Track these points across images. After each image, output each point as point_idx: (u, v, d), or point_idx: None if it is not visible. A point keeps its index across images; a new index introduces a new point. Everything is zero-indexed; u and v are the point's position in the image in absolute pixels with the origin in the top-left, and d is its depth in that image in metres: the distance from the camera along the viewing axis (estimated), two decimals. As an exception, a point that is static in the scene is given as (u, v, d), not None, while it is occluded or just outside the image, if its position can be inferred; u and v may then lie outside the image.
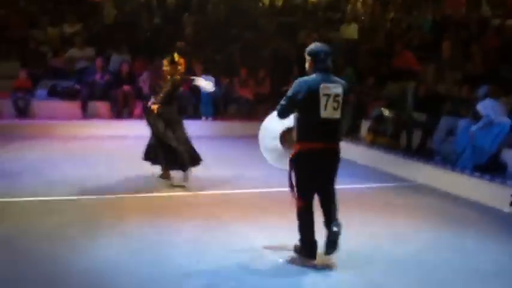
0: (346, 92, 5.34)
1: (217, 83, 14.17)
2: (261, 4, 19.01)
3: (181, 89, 8.80)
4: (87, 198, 7.65)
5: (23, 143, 11.29)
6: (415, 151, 10.41)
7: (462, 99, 10.30)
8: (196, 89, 14.15)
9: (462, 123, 9.38)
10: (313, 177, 5.44)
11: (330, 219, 5.50)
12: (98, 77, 13.67)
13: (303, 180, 5.46)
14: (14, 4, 15.70)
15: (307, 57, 5.45)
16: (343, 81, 5.44)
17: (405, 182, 9.58)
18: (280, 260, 5.59)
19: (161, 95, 8.31)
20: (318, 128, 5.28)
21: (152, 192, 8.09)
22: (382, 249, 6.16)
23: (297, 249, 5.68)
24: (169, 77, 8.40)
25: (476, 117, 9.12)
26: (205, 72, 14.25)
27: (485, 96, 9.25)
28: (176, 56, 8.53)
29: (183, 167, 8.39)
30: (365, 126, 12.00)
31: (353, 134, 12.11)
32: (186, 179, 8.42)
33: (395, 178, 9.81)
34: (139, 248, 5.78)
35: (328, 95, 5.22)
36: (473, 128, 9.01)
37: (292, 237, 5.78)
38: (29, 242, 5.81)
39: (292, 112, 5.43)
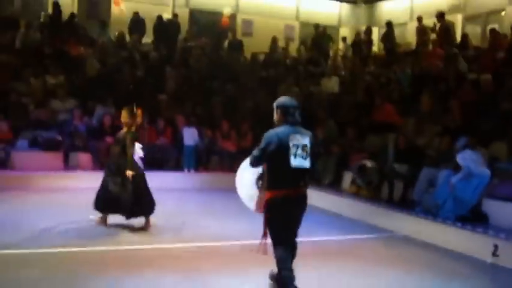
0: (312, 143, 5.68)
1: (199, 135, 14.26)
2: (242, 59, 19.26)
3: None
4: (66, 250, 7.49)
5: (2, 194, 11.15)
6: (397, 202, 10.46)
7: (442, 151, 10.43)
8: (178, 142, 14.23)
9: (442, 174, 9.48)
10: (286, 223, 5.67)
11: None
12: (77, 125, 13.67)
13: (278, 227, 5.67)
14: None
15: (277, 110, 5.79)
16: (309, 132, 5.76)
17: (389, 233, 9.57)
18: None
19: (128, 157, 8.66)
20: (288, 176, 5.55)
21: (134, 244, 7.98)
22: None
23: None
24: (126, 128, 8.62)
25: (457, 168, 9.23)
26: (188, 124, 14.33)
27: (465, 147, 9.39)
28: (135, 108, 8.63)
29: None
30: (347, 177, 12.05)
31: (336, 186, 12.16)
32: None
33: (379, 229, 9.80)
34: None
35: (297, 146, 5.56)
36: (454, 179, 9.10)
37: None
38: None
39: (263, 162, 5.68)
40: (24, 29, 17.02)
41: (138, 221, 8.76)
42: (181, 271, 6.78)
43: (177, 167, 14.16)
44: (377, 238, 9.25)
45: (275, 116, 5.83)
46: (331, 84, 17.19)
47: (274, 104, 5.85)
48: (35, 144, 13.52)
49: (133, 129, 8.71)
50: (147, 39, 18.93)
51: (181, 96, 16.18)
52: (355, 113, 14.55)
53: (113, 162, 8.90)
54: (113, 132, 13.84)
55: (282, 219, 5.66)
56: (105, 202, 8.68)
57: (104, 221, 8.84)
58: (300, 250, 6.78)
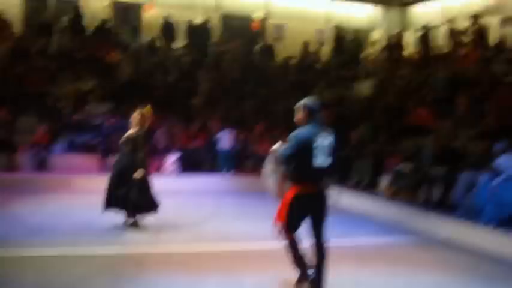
0: (334, 143, 6.03)
1: (234, 138, 14.36)
2: (273, 63, 19.34)
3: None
4: (108, 250, 7.64)
5: (41, 196, 11.36)
6: (435, 205, 10.41)
7: (480, 154, 10.37)
8: (212, 145, 14.35)
9: (482, 178, 9.42)
10: (303, 216, 6.05)
11: (321, 263, 6.10)
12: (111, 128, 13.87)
13: (295, 217, 6.04)
14: (33, 61, 15.99)
15: (304, 110, 6.08)
16: (332, 133, 6.06)
17: (426, 237, 9.48)
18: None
19: (141, 157, 8.72)
20: (310, 173, 5.92)
21: (172, 244, 8.10)
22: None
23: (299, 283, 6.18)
24: (137, 127, 8.77)
25: (496, 172, 9.17)
26: (223, 128, 14.40)
27: (503, 151, 9.33)
28: (149, 109, 8.83)
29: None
30: (384, 180, 12.02)
31: (372, 189, 12.15)
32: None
33: (417, 232, 9.73)
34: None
35: (319, 146, 5.90)
36: (494, 183, 9.05)
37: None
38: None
39: (291, 160, 5.94)
40: (58, 34, 17.30)
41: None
42: (220, 273, 6.83)
43: (211, 169, 14.25)
44: (414, 241, 9.20)
45: (298, 116, 6.12)
46: (364, 87, 17.18)
47: (299, 105, 6.13)
48: (71, 147, 13.75)
49: (144, 129, 8.83)
50: (179, 44, 19.11)
51: (213, 100, 16.30)
52: (388, 116, 14.52)
53: (120, 162, 8.93)
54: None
55: (301, 211, 6.03)
56: (111, 200, 8.80)
57: (134, 223, 8.96)
58: (335, 252, 6.91)
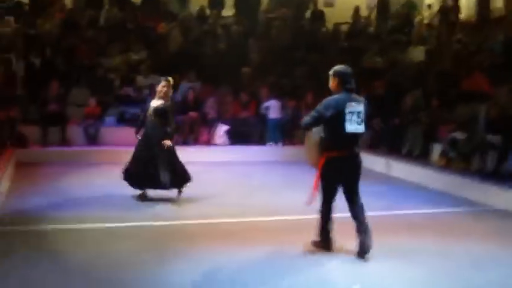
0: (366, 109, 6.16)
1: (283, 107, 14.25)
2: (324, 29, 19.04)
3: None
4: (158, 224, 7.73)
5: (93, 169, 11.57)
6: (490, 174, 10.13)
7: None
8: (261, 114, 14.29)
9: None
10: (337, 181, 6.28)
11: (361, 227, 6.26)
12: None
13: (328, 184, 6.29)
14: (83, 33, 16.18)
15: (335, 77, 6.20)
16: (363, 100, 6.21)
17: (481, 207, 9.27)
18: (357, 287, 5.49)
19: (173, 127, 8.78)
20: (343, 139, 6.08)
21: (221, 217, 8.11)
22: (462, 277, 5.96)
23: (315, 244, 6.52)
24: (165, 97, 8.68)
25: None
26: (272, 97, 14.30)
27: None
28: (171, 80, 8.84)
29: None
30: (436, 149, 11.77)
31: (424, 158, 11.91)
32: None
33: (471, 203, 9.52)
34: (211, 273, 5.77)
35: (352, 112, 6.04)
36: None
37: (368, 262, 6.01)
38: (103, 270, 5.87)
39: (317, 125, 6.19)
40: (108, 6, 17.44)
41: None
42: (273, 244, 6.82)
43: (261, 140, 14.22)
44: (467, 212, 9.01)
45: (331, 84, 6.24)
46: (417, 53, 16.76)
47: (331, 72, 6.24)
48: (122, 120, 13.91)
49: (169, 100, 8.78)
50: (228, 12, 18.99)
51: (264, 68, 16.19)
52: (442, 82, 14.15)
53: (150, 136, 8.77)
54: (196, 107, 14.10)
55: (334, 178, 6.27)
56: (141, 178, 8.76)
57: (143, 196, 8.93)
58: (386, 223, 7.05)
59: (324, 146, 6.18)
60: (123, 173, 8.83)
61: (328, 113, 6.02)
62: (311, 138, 6.41)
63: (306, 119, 6.19)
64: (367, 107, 6.21)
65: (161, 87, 8.74)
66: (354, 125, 6.04)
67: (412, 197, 9.82)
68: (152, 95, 9.10)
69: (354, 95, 6.17)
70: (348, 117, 6.02)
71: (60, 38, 16.03)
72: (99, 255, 6.29)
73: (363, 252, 6.18)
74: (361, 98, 6.23)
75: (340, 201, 6.41)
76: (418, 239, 7.20)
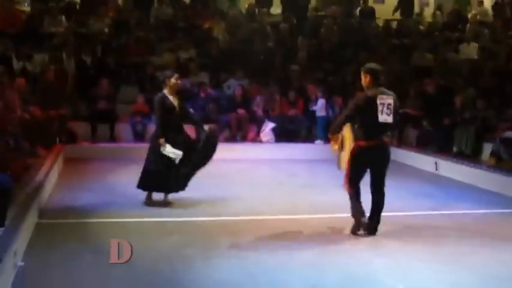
0: (396, 102, 6.87)
1: (331, 105, 14.14)
2: (374, 26, 18.83)
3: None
4: (203, 219, 7.80)
5: (140, 165, 11.64)
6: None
7: None
8: (310, 112, 14.22)
9: None
10: (365, 168, 6.98)
11: (377, 214, 7.06)
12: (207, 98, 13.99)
13: (358, 170, 6.95)
14: (133, 32, 16.39)
15: (367, 74, 6.88)
16: (393, 94, 6.89)
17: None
18: (401, 287, 5.41)
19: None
20: (375, 129, 6.77)
21: (267, 214, 8.12)
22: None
23: (353, 231, 7.07)
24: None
25: None
26: (320, 95, 14.20)
27: None
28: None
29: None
30: (487, 148, 11.49)
31: (475, 157, 11.64)
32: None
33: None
34: (254, 271, 5.77)
35: (383, 104, 6.71)
36: None
37: (414, 263, 5.90)
38: (148, 263, 5.94)
39: (348, 122, 6.90)
40: (157, 4, 17.64)
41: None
42: (318, 242, 6.80)
43: (308, 138, 14.15)
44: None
45: (364, 80, 6.90)
46: (470, 50, 16.44)
47: (363, 70, 6.93)
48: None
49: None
50: (276, 10, 18.96)
51: (312, 66, 16.11)
52: (496, 80, 13.83)
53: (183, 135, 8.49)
54: (244, 105, 14.12)
55: (363, 164, 6.93)
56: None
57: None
58: (434, 224, 7.54)
59: (356, 135, 6.83)
60: None
61: (363, 104, 6.73)
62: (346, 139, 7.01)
63: (334, 123, 7.14)
64: (397, 102, 6.92)
65: (174, 82, 8.38)
66: (384, 116, 6.70)
67: (462, 198, 9.60)
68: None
69: (384, 89, 6.85)
70: (379, 108, 6.69)
71: (110, 36, 16.29)
72: (143, 249, 6.33)
73: (370, 233, 7.00)
74: (391, 92, 6.89)
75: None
76: (467, 241, 7.03)
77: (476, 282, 5.66)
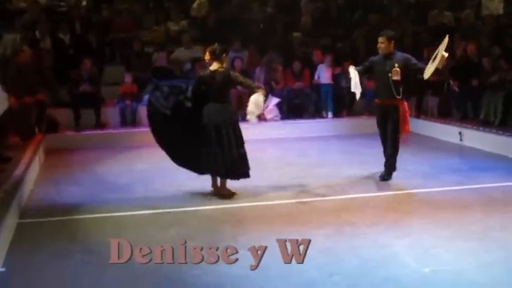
0: (408, 62, 8.73)
1: (341, 74, 14.13)
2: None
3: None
4: (205, 208, 7.87)
5: (132, 153, 11.77)
6: None
7: None
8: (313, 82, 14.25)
9: None
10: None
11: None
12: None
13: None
14: (115, 4, 16.35)
15: (391, 41, 8.76)
16: (405, 55, 8.93)
17: None
18: (426, 270, 5.47)
19: None
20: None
21: (275, 199, 8.19)
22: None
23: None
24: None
25: None
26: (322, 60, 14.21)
27: None
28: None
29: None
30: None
31: (503, 126, 11.65)
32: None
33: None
34: (265, 261, 5.79)
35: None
36: None
37: (439, 243, 5.96)
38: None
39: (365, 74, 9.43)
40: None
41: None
42: (333, 226, 6.87)
43: (317, 113, 14.20)
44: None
45: (388, 46, 8.72)
46: (494, 5, 16.36)
47: (387, 37, 8.74)
48: (162, 97, 13.99)
49: None
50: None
51: (317, 33, 16.08)
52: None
53: None
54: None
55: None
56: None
57: None
58: (461, 200, 7.88)
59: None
60: None
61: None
62: None
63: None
64: (409, 60, 8.80)
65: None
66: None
67: (490, 170, 9.66)
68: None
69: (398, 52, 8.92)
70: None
71: (90, 10, 16.25)
72: (143, 243, 6.36)
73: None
74: (403, 54, 8.94)
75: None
76: (497, 216, 7.12)
77: (507, 259, 5.72)
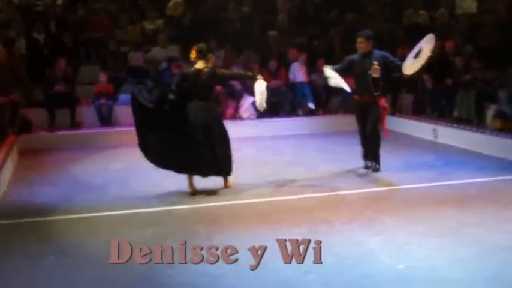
0: (385, 60, 9.05)
1: (316, 72, 14.16)
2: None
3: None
4: (180, 208, 7.83)
5: (107, 152, 11.70)
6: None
7: None
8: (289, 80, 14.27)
9: None
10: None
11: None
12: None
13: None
14: (91, 4, 16.27)
15: (370, 41, 9.08)
16: (381, 53, 9.16)
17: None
18: (401, 267, 5.49)
19: None
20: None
21: (251, 198, 8.18)
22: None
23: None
24: None
25: None
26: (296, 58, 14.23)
27: None
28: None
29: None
30: (491, 111, 11.60)
31: (477, 122, 11.75)
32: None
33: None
34: (240, 259, 5.79)
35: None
36: None
37: (413, 240, 6.01)
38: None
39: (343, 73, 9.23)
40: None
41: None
42: (307, 224, 6.87)
43: (293, 111, 14.23)
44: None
45: (367, 46, 9.04)
46: (468, 4, 16.48)
47: (367, 37, 9.09)
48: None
49: None
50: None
51: (294, 31, 16.10)
52: (499, 34, 13.88)
53: None
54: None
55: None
56: None
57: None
58: (437, 195, 7.93)
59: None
60: None
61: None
62: None
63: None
64: (386, 58, 9.11)
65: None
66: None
67: (464, 166, 9.74)
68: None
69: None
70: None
71: (65, 10, 16.14)
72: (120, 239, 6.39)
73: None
74: (380, 52, 9.16)
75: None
76: (470, 212, 7.17)
77: (480, 255, 5.77)
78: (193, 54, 8.48)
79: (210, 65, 8.47)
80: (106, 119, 13.37)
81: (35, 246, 6.46)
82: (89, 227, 7.14)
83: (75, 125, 13.12)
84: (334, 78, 9.03)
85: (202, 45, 8.60)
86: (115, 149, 11.85)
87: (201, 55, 8.41)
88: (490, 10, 15.71)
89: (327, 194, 8.27)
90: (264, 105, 8.82)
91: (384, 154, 9.60)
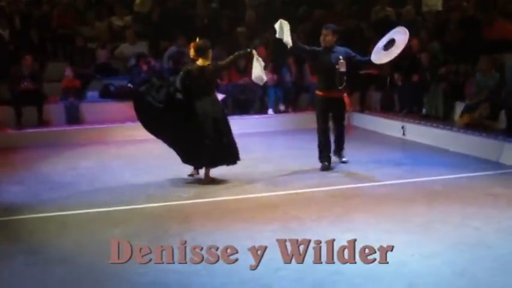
0: (348, 55, 9.24)
1: (286, 71, 14.22)
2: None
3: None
4: (151, 206, 7.83)
5: (76, 150, 11.62)
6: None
7: None
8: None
9: None
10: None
11: None
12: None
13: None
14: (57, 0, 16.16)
15: (336, 34, 9.31)
16: (344, 49, 9.32)
17: (508, 169, 9.32)
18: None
19: None
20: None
21: (220, 196, 8.22)
22: (485, 244, 6.06)
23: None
24: None
25: None
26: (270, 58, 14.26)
27: None
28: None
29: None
30: (459, 108, 11.77)
31: (444, 119, 11.91)
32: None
33: (497, 165, 9.58)
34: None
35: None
36: None
37: (382, 237, 6.07)
38: (91, 259, 5.94)
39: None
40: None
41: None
42: (278, 221, 6.93)
43: (262, 108, 14.27)
44: (493, 175, 9.05)
45: (332, 39, 9.27)
46: (434, 1, 16.66)
47: (332, 30, 9.29)
48: (106, 95, 13.89)
49: None
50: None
51: (262, 27, 16.13)
52: (464, 32, 14.06)
53: None
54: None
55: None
56: None
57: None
58: (402, 193, 8.06)
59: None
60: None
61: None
62: None
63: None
64: (349, 53, 9.29)
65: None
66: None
67: (431, 163, 9.88)
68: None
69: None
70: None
71: (30, 5, 15.99)
72: (84, 244, 6.38)
73: None
74: (343, 48, 9.35)
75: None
76: (437, 209, 7.30)
77: (447, 250, 5.90)
78: (192, 53, 8.64)
79: (209, 60, 8.67)
80: (74, 117, 13.25)
81: (3, 246, 6.43)
82: (58, 226, 7.10)
83: (42, 122, 13.02)
84: (285, 32, 9.41)
85: (199, 42, 8.71)
86: (84, 147, 11.78)
87: (201, 53, 8.57)
88: (456, 7, 15.90)
89: (297, 191, 8.34)
90: (264, 77, 9.28)
91: (353, 151, 9.73)
